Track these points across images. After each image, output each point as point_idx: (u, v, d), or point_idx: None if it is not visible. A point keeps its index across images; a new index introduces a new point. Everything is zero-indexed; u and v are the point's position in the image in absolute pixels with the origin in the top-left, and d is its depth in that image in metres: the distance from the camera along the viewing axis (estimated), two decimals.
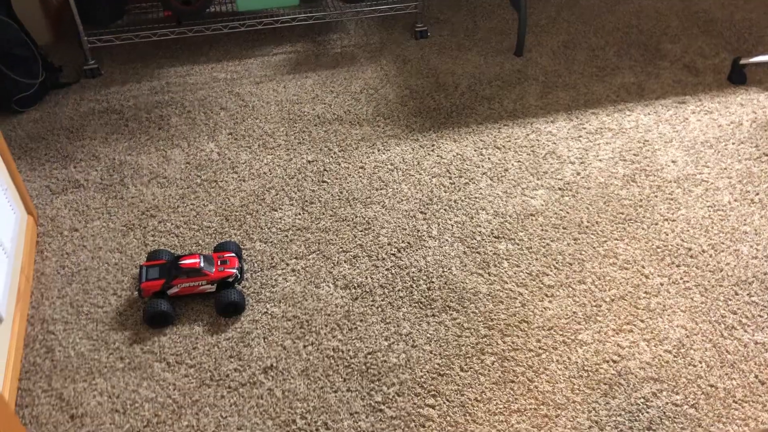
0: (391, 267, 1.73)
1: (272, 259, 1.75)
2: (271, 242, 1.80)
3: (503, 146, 2.12)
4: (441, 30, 2.64)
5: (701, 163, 2.05)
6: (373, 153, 2.10)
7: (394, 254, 1.77)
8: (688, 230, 1.85)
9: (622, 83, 2.37)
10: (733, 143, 2.13)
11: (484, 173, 2.03)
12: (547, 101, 2.29)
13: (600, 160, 2.07)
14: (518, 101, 2.29)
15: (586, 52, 2.53)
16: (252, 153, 2.09)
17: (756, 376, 1.50)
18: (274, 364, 1.50)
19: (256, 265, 1.73)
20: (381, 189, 1.97)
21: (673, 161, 2.06)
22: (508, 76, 2.41)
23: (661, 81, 2.38)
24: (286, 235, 1.81)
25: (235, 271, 1.61)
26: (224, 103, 2.30)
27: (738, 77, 2.39)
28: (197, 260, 1.58)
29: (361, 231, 1.83)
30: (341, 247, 1.78)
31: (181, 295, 1.62)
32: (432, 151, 2.10)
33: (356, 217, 1.87)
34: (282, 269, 1.72)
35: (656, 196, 1.95)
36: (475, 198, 1.94)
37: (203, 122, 2.22)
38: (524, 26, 2.43)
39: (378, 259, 1.75)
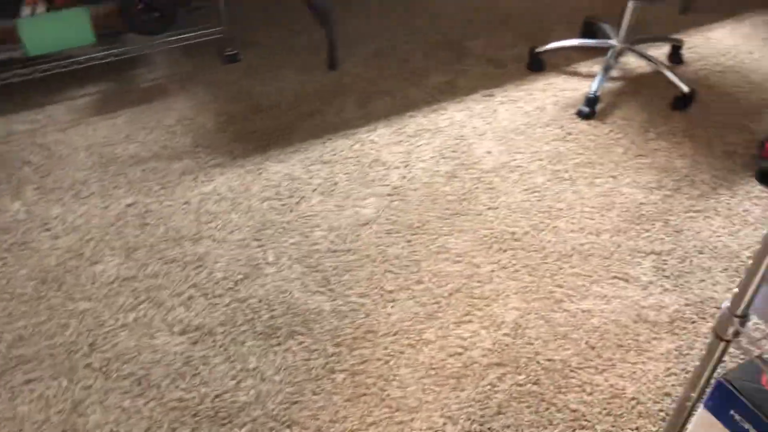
0: (230, 302, 1.68)
1: (99, 317, 1.63)
2: (96, 299, 1.68)
3: (330, 160, 2.13)
4: (253, 52, 2.61)
5: (513, 150, 2.18)
6: (197, 186, 2.02)
7: (231, 288, 1.71)
8: (510, 215, 1.95)
9: (435, 84, 2.47)
10: (540, 127, 2.28)
11: (314, 190, 2.02)
12: (367, 110, 2.33)
13: (422, 161, 2.13)
14: (339, 114, 2.32)
15: (397, 58, 2.60)
16: (64, 206, 1.95)
17: (586, 342, 1.61)
18: (114, 429, 1.40)
19: (82, 325, 1.61)
20: (210, 222, 1.90)
21: (488, 152, 2.16)
22: (326, 90, 2.42)
23: (469, 77, 2.50)
24: (112, 289, 1.70)
25: None
26: (27, 157, 2.13)
27: (536, 65, 2.56)
28: None
29: (193, 270, 1.76)
30: (173, 291, 1.70)
31: None
32: (259, 174, 2.07)
33: (186, 255, 1.80)
34: (111, 326, 1.61)
35: (477, 188, 2.04)
36: (309, 216, 1.93)
37: (4, 181, 2.03)
38: (334, 41, 2.46)
39: (214, 297, 1.69)
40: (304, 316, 1.64)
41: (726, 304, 0.87)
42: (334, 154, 2.15)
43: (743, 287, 0.82)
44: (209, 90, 2.40)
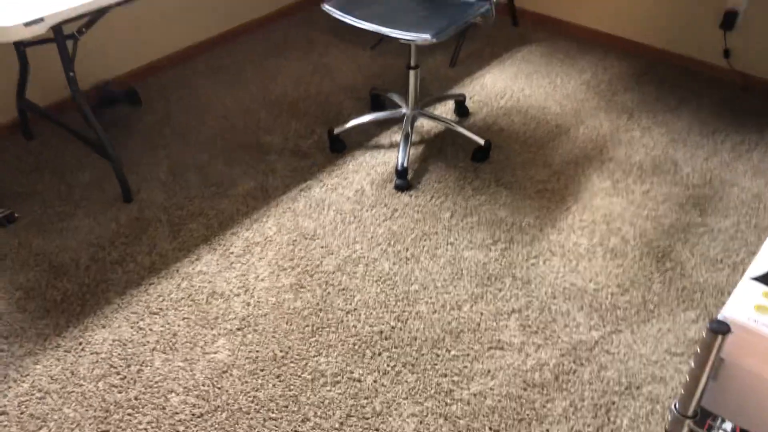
0: None
1: None
2: None
3: (160, 309, 1.89)
4: (30, 205, 2.27)
5: (351, 241, 2.12)
6: (10, 387, 1.69)
7: None
8: (371, 314, 1.87)
9: (245, 191, 2.33)
10: (367, 210, 2.24)
11: (153, 349, 1.78)
12: (182, 239, 2.13)
13: (262, 280, 1.98)
14: (152, 252, 2.09)
15: (196, 172, 2.43)
16: None
17: (489, 428, 1.57)
18: None
19: None
20: (39, 429, 1.59)
21: (326, 250, 2.08)
22: (128, 228, 2.18)
23: (278, 175, 2.41)
24: None
25: None
26: None
27: (338, 146, 2.54)
28: None
29: None
30: None
31: None
32: (83, 350, 1.78)
33: None
34: None
35: (329, 293, 1.94)
36: (157, 383, 1.69)
37: None
38: (121, 170, 2.23)
39: None
40: None
41: (674, 404, 0.85)
42: (163, 300, 1.92)
43: (689, 389, 0.81)
44: None
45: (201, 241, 2.12)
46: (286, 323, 1.85)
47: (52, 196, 2.30)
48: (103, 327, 1.84)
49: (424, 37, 2.07)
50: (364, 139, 2.59)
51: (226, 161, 2.48)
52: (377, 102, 2.78)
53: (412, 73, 2.42)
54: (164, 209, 2.25)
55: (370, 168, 2.44)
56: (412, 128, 2.52)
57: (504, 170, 2.42)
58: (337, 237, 2.13)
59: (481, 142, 2.44)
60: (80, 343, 1.80)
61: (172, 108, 2.78)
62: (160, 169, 2.44)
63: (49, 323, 1.85)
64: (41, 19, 1.77)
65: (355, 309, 1.88)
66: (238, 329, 1.83)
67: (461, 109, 2.74)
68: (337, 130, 2.52)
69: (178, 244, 2.11)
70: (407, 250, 2.08)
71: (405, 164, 2.33)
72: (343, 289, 1.95)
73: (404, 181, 2.33)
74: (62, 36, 2.01)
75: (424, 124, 2.66)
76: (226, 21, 3.24)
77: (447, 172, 2.42)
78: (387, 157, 2.49)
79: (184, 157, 2.50)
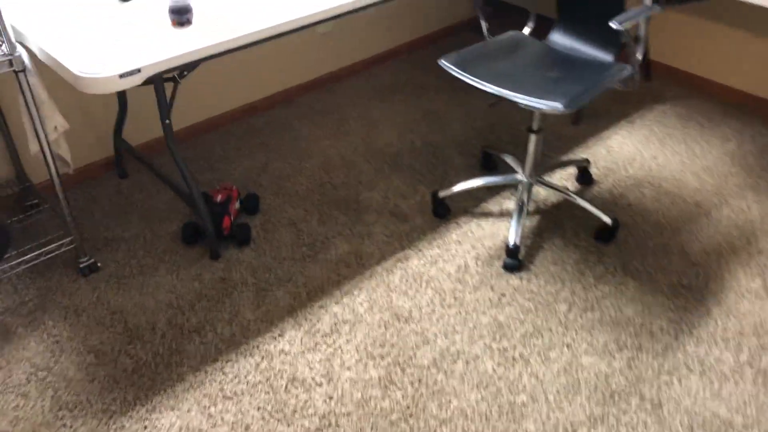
0: None
1: None
2: None
3: (234, 393, 1.71)
4: (114, 253, 2.16)
5: (449, 329, 1.86)
6: None
7: None
8: (469, 427, 1.61)
9: (338, 256, 2.13)
10: (470, 292, 1.99)
11: None
12: (266, 308, 1.95)
13: (348, 369, 1.76)
14: (233, 320, 1.91)
15: (289, 229, 2.25)
16: None
17: None
18: None
19: None
20: None
21: (421, 337, 1.84)
22: (211, 289, 2.02)
23: (374, 240, 2.19)
24: None
25: None
26: None
27: (442, 210, 2.30)
28: None
29: None
30: None
31: None
32: None
33: None
34: None
35: (422, 395, 1.69)
36: None
37: None
38: (210, 225, 2.08)
39: None
40: None
41: None
42: (239, 383, 1.74)
43: None
44: (67, 320, 1.93)
45: (286, 313, 1.93)
46: (371, 428, 1.61)
47: (137, 245, 2.18)
48: (172, 409, 1.67)
49: (553, 106, 1.80)
50: (471, 204, 2.34)
51: (321, 218, 2.29)
52: (489, 161, 2.52)
53: (533, 137, 2.15)
54: (252, 270, 2.08)
55: (476, 240, 2.18)
56: (528, 198, 2.25)
57: (632, 256, 2.10)
58: (434, 322, 1.89)
59: (608, 220, 2.14)
60: (145, 427, 1.63)
61: (270, 153, 2.63)
62: (253, 221, 2.28)
63: (116, 397, 1.70)
64: (138, 71, 1.63)
65: (450, 419, 1.63)
66: (317, 430, 1.61)
67: (584, 177, 2.44)
68: (442, 194, 2.28)
69: (262, 314, 1.93)
70: (515, 348, 1.81)
71: (517, 241, 2.06)
72: (438, 391, 1.70)
73: (515, 260, 2.06)
74: (161, 82, 1.88)
75: (541, 192, 2.38)
76: (331, 62, 3.08)
77: (565, 252, 2.12)
78: (496, 228, 2.22)
79: (278, 210, 2.33)
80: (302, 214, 2.31)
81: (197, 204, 2.03)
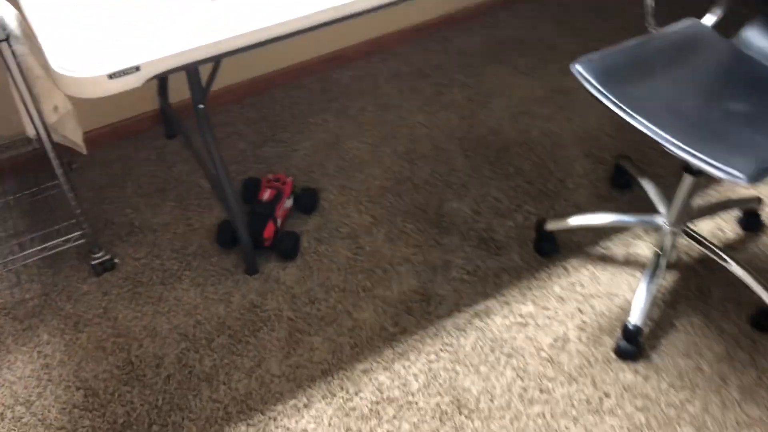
0: None
1: None
2: None
3: None
4: (136, 247, 1.79)
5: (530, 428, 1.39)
6: None
7: None
8: None
9: (401, 295, 1.67)
10: (561, 384, 1.48)
11: None
12: (297, 361, 1.54)
13: None
14: (254, 372, 1.52)
15: (347, 244, 1.80)
16: None
17: None
18: None
19: None
20: None
21: None
22: (237, 320, 1.63)
23: (451, 277, 1.70)
24: None
25: None
26: None
27: (548, 246, 1.76)
28: None
29: None
30: None
31: None
32: None
33: None
34: None
35: None
36: None
37: None
38: (246, 231, 1.66)
39: None
40: None
41: None
42: None
43: None
44: (63, 336, 1.60)
45: (320, 373, 1.52)
46: None
47: (164, 239, 1.80)
48: None
49: (733, 175, 1.19)
50: (587, 240, 1.78)
51: (390, 233, 1.81)
52: (621, 178, 1.92)
53: (687, 178, 1.54)
54: (291, 299, 1.66)
55: (586, 299, 1.64)
56: (669, 252, 1.65)
57: None
58: (506, 424, 1.42)
59: None
60: None
61: (346, 124, 2.13)
62: (306, 226, 1.84)
63: None
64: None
65: None
66: None
67: (751, 222, 1.80)
68: (550, 226, 1.74)
69: (290, 370, 1.52)
70: None
71: (641, 321, 1.51)
72: None
73: (633, 347, 1.52)
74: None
75: (682, 243, 1.78)
76: (445, 2, 2.47)
77: (705, 339, 1.56)
78: (615, 284, 1.67)
79: (340, 212, 1.87)
80: (368, 224, 1.84)
81: (232, 209, 1.61)
